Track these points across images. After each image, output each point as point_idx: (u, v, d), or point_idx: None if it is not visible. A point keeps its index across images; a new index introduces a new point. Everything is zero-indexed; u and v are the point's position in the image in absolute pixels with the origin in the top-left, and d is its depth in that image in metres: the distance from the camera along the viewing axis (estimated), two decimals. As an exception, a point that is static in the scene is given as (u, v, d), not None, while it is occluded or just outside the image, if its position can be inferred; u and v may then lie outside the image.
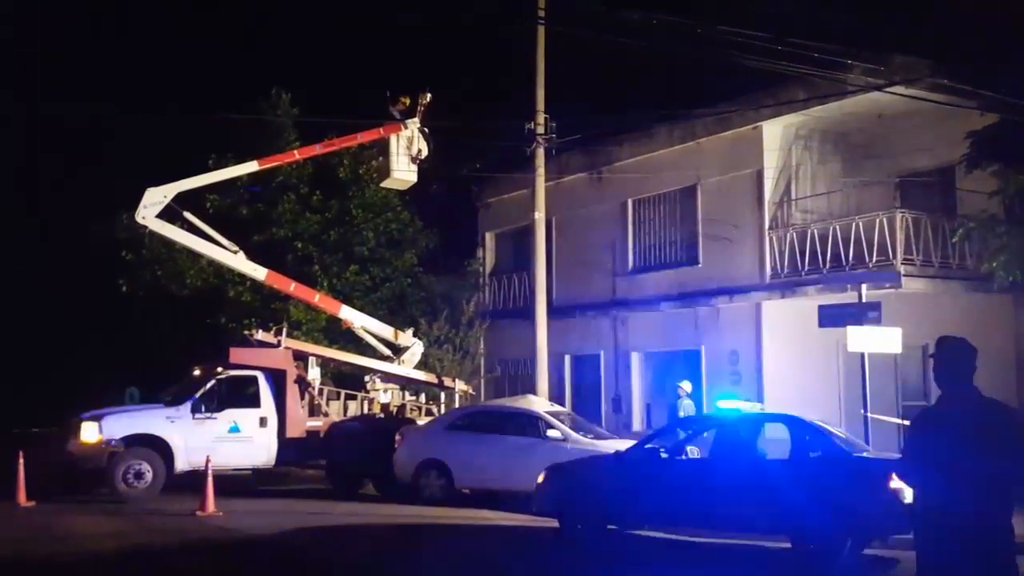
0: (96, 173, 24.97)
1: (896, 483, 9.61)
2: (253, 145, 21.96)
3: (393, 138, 17.21)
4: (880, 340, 13.16)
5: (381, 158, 17.90)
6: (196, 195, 17.68)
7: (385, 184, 18.41)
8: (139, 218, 15.95)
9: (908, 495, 9.68)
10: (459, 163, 21.95)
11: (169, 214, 16.54)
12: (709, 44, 14.16)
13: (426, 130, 17.31)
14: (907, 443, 5.02)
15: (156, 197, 16.00)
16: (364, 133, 17.52)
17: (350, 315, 18.10)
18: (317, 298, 18.32)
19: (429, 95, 17.27)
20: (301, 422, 16.47)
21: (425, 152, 17.28)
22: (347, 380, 19.45)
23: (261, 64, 28.87)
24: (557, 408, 16.09)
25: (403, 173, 17.39)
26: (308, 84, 24.37)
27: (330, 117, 19.81)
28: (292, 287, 17.77)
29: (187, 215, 17.01)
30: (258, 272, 17.28)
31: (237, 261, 17.21)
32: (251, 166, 17.61)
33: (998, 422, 4.65)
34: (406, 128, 17.22)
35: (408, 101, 17.40)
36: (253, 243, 21.60)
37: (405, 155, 17.25)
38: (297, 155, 18.58)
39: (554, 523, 11.80)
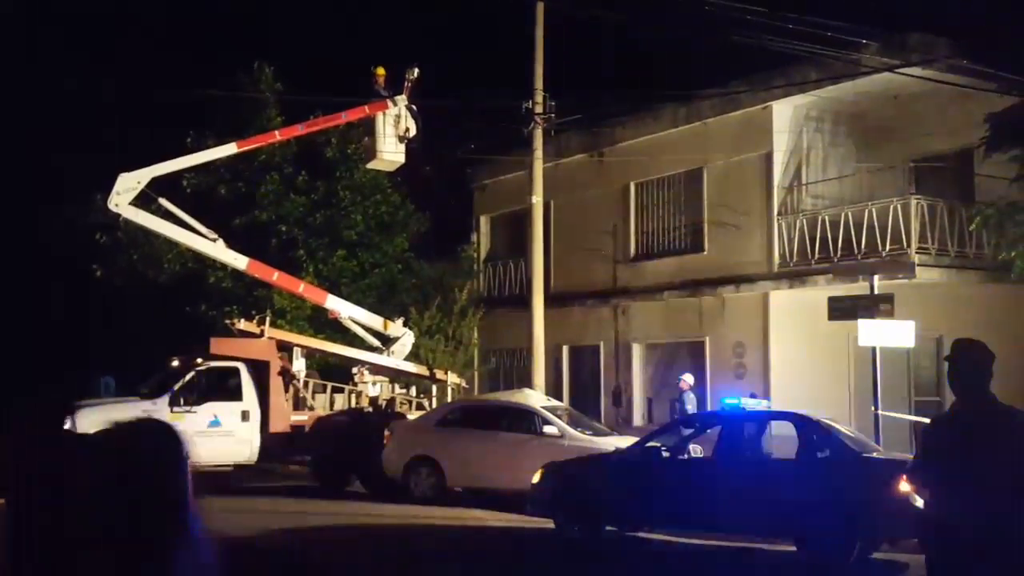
0: (67, 151, 24.89)
1: (907, 485, 9.69)
2: (233, 122, 21.94)
3: (379, 116, 17.17)
4: (892, 334, 13.22)
5: (367, 138, 17.87)
6: (172, 174, 17.63)
7: (371, 165, 18.40)
8: (112, 206, 15.91)
9: (918, 498, 9.79)
10: (453, 143, 21.92)
11: (144, 198, 16.52)
12: (717, 21, 14.17)
13: (414, 108, 17.28)
14: (921, 448, 5.08)
15: (130, 183, 15.94)
16: (349, 112, 17.48)
17: (337, 305, 18.10)
18: (301, 288, 18.31)
19: (417, 70, 17.22)
20: (285, 416, 16.52)
21: (413, 131, 17.26)
22: (334, 372, 19.46)
23: (242, 35, 28.73)
24: (554, 403, 16.15)
25: (390, 154, 17.36)
26: (292, 58, 24.30)
27: (316, 93, 19.75)
28: (275, 276, 17.76)
29: (162, 201, 16.97)
30: (239, 261, 17.27)
31: (216, 250, 17.19)
32: (229, 148, 17.58)
33: (1017, 426, 4.71)
34: (393, 106, 17.19)
35: (383, 72, 17.33)
36: (234, 226, 21.59)
37: (392, 135, 17.21)
38: (278, 135, 18.56)
39: (550, 524, 11.87)
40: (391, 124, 17.20)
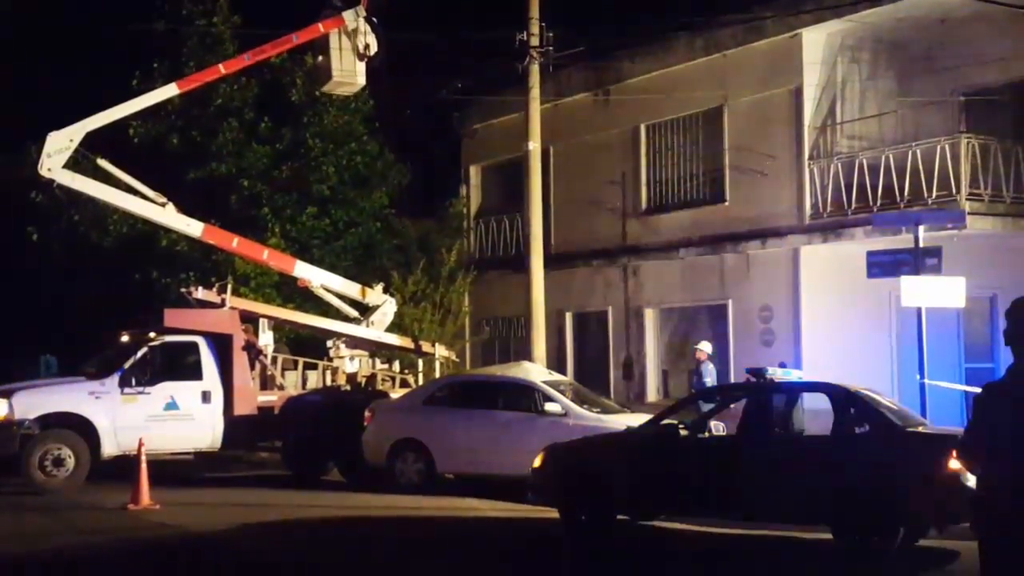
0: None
1: (957, 463, 9.74)
2: (185, 61, 21.76)
3: (334, 33, 17.10)
4: (940, 292, 13.22)
5: (321, 58, 17.79)
6: (116, 124, 17.52)
7: (327, 89, 18.35)
8: (44, 171, 15.81)
9: (971, 477, 9.84)
10: (437, 82, 21.78)
11: (84, 158, 16.47)
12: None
13: (374, 20, 17.18)
14: (973, 418, 5.10)
15: (60, 142, 15.84)
16: (300, 32, 17.38)
17: (307, 272, 18.12)
18: (266, 254, 18.32)
19: None
20: (251, 397, 16.55)
21: (375, 48, 17.19)
22: (306, 346, 19.49)
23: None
24: (557, 377, 16.21)
25: (348, 74, 17.30)
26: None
27: (278, 27, 19.52)
28: (235, 243, 17.76)
29: (101, 162, 16.90)
30: (192, 227, 17.28)
31: (166, 216, 17.19)
32: (170, 90, 17.50)
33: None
34: (351, 19, 17.05)
35: None
36: (188, 181, 21.56)
37: (350, 53, 17.15)
38: (222, 69, 18.36)
39: (554, 513, 11.93)
40: (348, 41, 17.13)
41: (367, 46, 17.11)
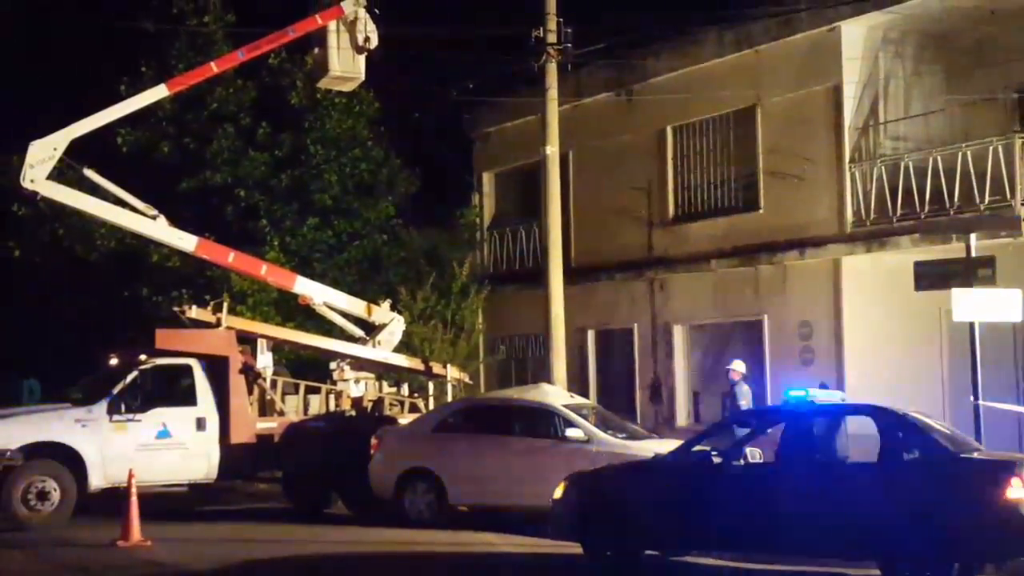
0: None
1: (1016, 492, 9.70)
2: (176, 64, 21.91)
3: (332, 24, 17.20)
4: (994, 305, 13.19)
5: (317, 50, 17.88)
6: (103, 133, 17.64)
7: (324, 84, 18.45)
8: (27, 183, 15.91)
9: (1031, 507, 9.79)
10: (447, 83, 21.84)
11: (69, 168, 16.56)
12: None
13: (376, 10, 17.28)
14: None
15: (44, 152, 15.94)
16: (297, 25, 17.50)
17: (308, 288, 18.16)
18: (264, 270, 18.37)
19: None
20: (249, 423, 16.58)
21: (375, 40, 17.27)
22: (307, 368, 19.52)
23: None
24: (578, 400, 16.20)
25: (347, 68, 17.37)
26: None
27: (273, 28, 19.67)
28: (231, 258, 17.82)
29: (87, 172, 17.02)
30: (185, 241, 17.36)
31: (157, 229, 17.27)
32: (159, 91, 17.62)
33: None
34: (351, 8, 17.13)
35: None
36: (180, 192, 21.66)
37: (348, 45, 17.24)
38: (214, 67, 18.46)
39: (576, 549, 11.91)
40: (347, 32, 17.22)
41: (367, 39, 17.20)
